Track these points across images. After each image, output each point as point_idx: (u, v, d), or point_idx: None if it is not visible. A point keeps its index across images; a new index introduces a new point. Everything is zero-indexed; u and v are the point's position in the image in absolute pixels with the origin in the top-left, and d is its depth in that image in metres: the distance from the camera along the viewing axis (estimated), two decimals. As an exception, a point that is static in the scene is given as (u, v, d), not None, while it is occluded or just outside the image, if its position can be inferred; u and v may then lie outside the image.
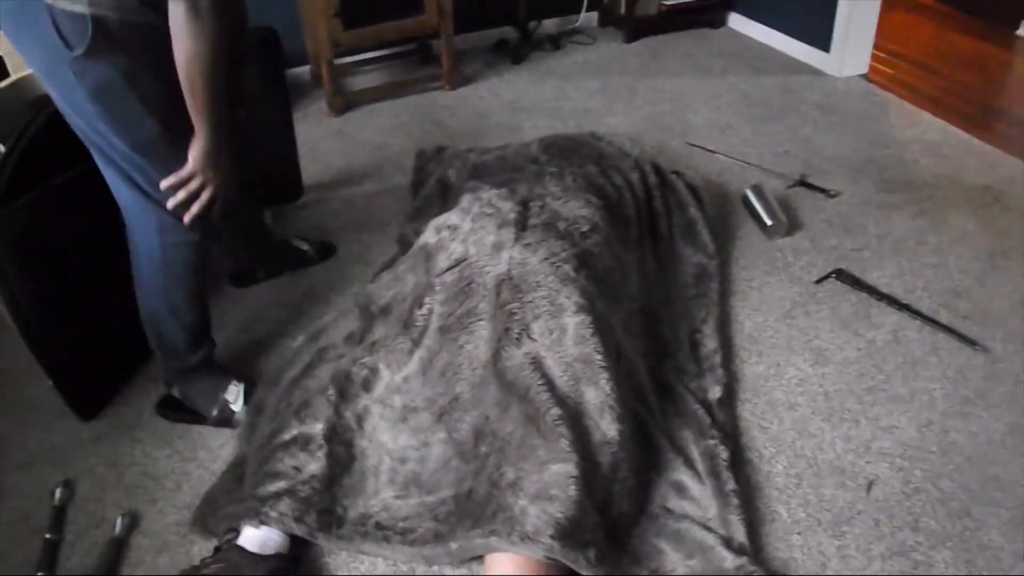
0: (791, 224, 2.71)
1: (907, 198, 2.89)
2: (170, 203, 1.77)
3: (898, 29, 4.42)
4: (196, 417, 2.09)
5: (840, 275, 2.48)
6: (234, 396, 2.08)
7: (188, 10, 1.53)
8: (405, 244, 2.51)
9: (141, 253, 1.92)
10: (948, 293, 2.43)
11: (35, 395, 2.18)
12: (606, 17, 4.56)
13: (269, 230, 2.65)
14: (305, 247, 2.64)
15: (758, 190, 2.75)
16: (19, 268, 1.90)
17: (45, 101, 1.86)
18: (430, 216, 2.46)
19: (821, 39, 3.91)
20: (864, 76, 3.88)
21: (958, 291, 2.43)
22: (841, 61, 3.85)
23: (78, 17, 1.55)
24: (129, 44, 1.62)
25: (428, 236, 2.10)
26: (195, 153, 1.74)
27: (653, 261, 2.42)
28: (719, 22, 4.51)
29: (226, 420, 2.07)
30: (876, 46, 3.91)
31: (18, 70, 2.66)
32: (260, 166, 2.46)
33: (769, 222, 2.66)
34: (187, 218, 1.79)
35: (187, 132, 1.73)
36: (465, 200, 2.15)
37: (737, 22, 4.47)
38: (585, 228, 2.04)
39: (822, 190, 2.92)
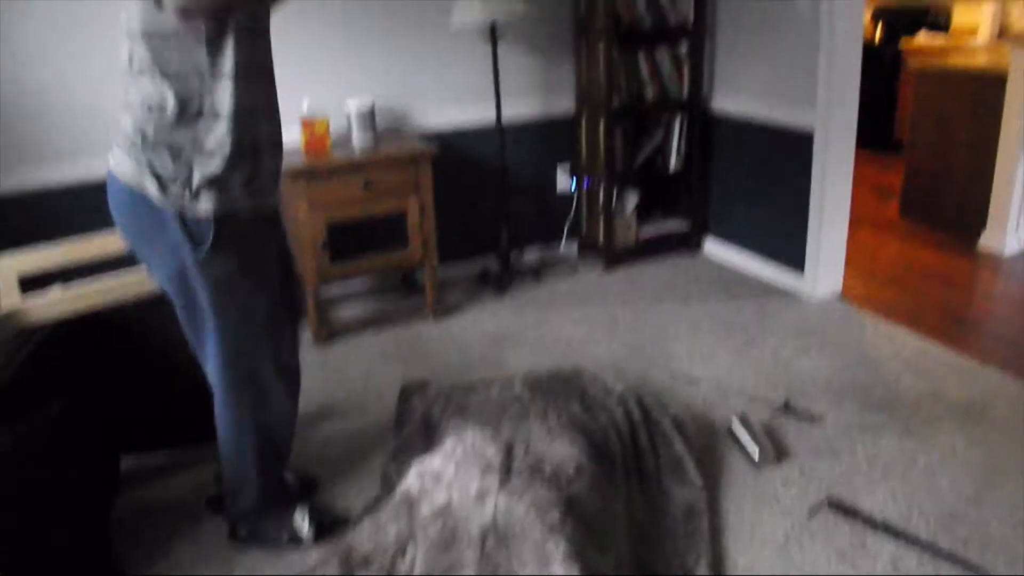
0: (779, 453, 2.69)
1: (892, 418, 2.89)
2: None
3: (866, 247, 4.60)
4: None
5: (832, 504, 2.44)
6: None
7: None
8: (388, 483, 2.48)
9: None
10: (944, 517, 2.37)
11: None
12: (585, 246, 4.68)
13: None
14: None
15: (743, 420, 2.75)
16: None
17: (26, 336, 1.92)
18: (413, 454, 2.44)
19: (794, 261, 4.02)
20: (838, 295, 3.97)
21: (954, 514, 2.38)
22: (815, 281, 3.93)
23: (204, 220, 1.91)
24: (244, 240, 1.99)
25: (411, 481, 2.08)
26: None
27: (640, 500, 2.38)
28: (695, 246, 4.64)
29: None
30: (847, 264, 4.02)
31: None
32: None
33: (756, 453, 2.64)
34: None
35: (289, 317, 2.16)
36: (449, 443, 2.14)
37: (713, 247, 4.61)
38: (571, 471, 2.02)
39: (807, 416, 2.92)
